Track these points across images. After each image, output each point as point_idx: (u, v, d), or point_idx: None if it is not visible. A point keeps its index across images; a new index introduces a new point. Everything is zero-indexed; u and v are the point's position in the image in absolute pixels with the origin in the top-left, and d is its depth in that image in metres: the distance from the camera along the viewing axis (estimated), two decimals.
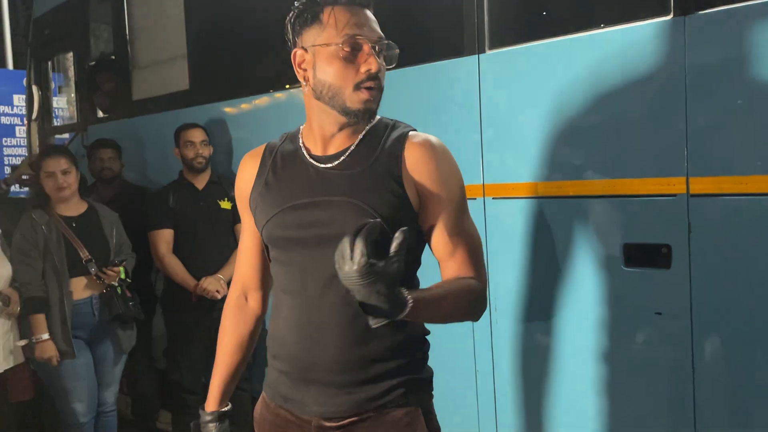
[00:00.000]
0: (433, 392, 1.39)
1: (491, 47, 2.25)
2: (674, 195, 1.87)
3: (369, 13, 1.28)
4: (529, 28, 2.21)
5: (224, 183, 3.24)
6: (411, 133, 1.33)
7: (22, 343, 2.68)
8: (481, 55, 2.27)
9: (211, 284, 3.05)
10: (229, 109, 3.35)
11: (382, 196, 1.25)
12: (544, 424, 2.23)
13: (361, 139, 1.31)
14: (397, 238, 1.06)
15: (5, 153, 8.09)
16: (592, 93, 2.02)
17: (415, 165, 1.28)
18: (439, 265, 1.34)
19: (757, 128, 1.74)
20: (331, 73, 1.24)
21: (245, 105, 3.27)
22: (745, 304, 1.79)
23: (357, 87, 1.24)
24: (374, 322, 1.09)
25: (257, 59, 3.14)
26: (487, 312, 2.31)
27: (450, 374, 2.39)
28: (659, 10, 1.87)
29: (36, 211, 2.81)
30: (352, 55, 1.23)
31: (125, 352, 2.96)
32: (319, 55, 1.25)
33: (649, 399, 1.99)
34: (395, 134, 1.31)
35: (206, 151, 3.21)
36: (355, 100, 1.25)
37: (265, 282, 1.47)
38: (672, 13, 1.85)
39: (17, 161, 8.11)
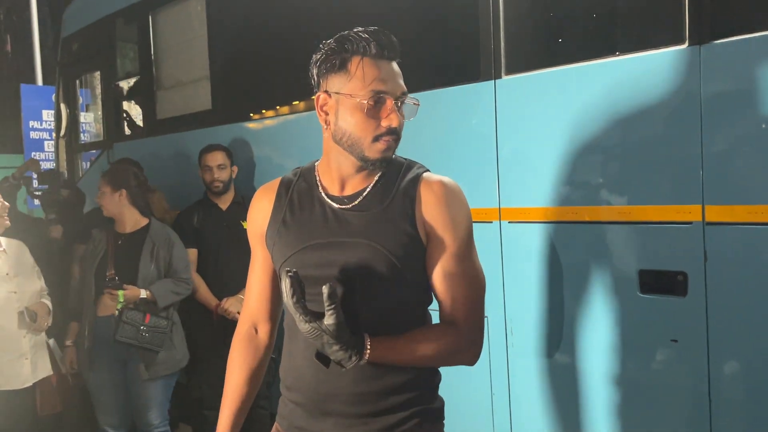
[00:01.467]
0: (445, 420, 1.42)
1: (507, 73, 2.27)
2: (690, 222, 1.88)
3: (395, 66, 1.29)
4: (545, 54, 2.24)
5: (248, 203, 3.27)
6: (425, 174, 1.35)
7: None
8: (497, 81, 2.30)
9: (232, 305, 3.09)
10: (252, 125, 3.41)
11: (396, 237, 1.28)
12: None
13: (377, 181, 1.33)
14: (323, 292, 1.16)
15: None
16: (608, 119, 2.03)
17: (427, 206, 1.30)
18: (438, 303, 1.37)
19: None
20: (352, 123, 1.26)
21: (266, 124, 3.33)
22: (761, 333, 1.78)
23: (376, 138, 1.27)
24: (339, 366, 1.22)
25: (278, 80, 3.20)
26: (503, 335, 2.32)
27: (466, 398, 2.41)
28: (675, 38, 1.89)
29: (96, 230, 3.01)
30: (375, 109, 1.25)
31: (150, 378, 2.84)
32: (343, 104, 1.27)
33: (665, 426, 1.98)
34: (410, 176, 1.34)
35: (224, 175, 3.24)
36: (373, 150, 1.28)
37: (275, 314, 1.49)
38: (687, 42, 1.86)
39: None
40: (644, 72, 1.95)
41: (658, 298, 1.96)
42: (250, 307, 1.49)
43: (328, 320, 1.16)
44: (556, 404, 2.22)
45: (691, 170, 1.86)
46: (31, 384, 2.69)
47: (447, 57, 2.51)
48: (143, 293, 2.81)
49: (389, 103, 1.26)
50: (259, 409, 3.21)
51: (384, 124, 1.26)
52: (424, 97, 2.50)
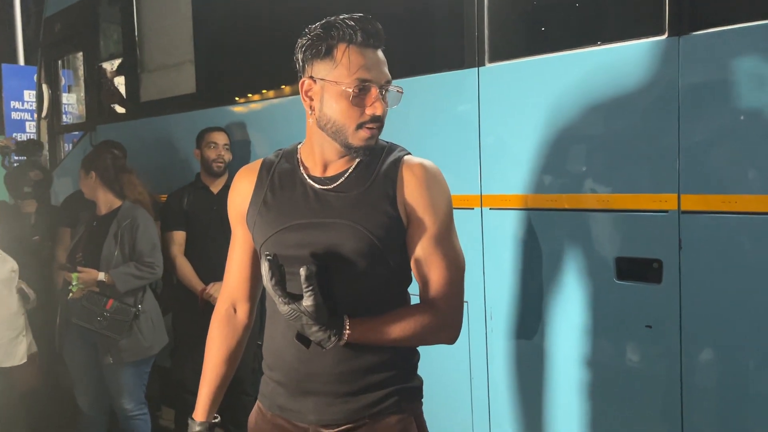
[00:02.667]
0: (423, 399, 1.45)
1: (491, 60, 2.29)
2: (666, 211, 1.91)
3: (380, 54, 1.30)
4: (528, 43, 2.25)
5: None
6: (406, 157, 1.37)
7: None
8: (480, 68, 2.31)
9: (217, 291, 3.07)
10: (236, 109, 3.41)
11: (377, 217, 1.30)
12: (537, 429, 2.27)
13: (358, 162, 1.35)
14: (301, 274, 1.18)
15: None
16: (588, 109, 2.06)
17: (407, 188, 1.32)
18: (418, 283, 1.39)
19: (747, 148, 1.78)
20: (337, 110, 1.27)
21: (251, 108, 3.32)
22: (734, 320, 1.83)
23: (360, 126, 1.28)
24: (319, 347, 1.24)
25: (263, 65, 3.19)
26: (482, 320, 2.36)
27: (446, 380, 2.44)
28: (655, 29, 1.91)
29: (84, 212, 3.02)
30: (359, 97, 1.27)
31: (116, 364, 2.80)
32: (328, 90, 1.28)
33: (637, 409, 2.03)
34: (391, 158, 1.35)
35: (227, 155, 3.23)
36: (357, 137, 1.29)
37: (254, 294, 1.51)
38: (667, 33, 1.89)
39: None
40: (624, 62, 1.97)
41: (634, 284, 2.00)
42: (230, 287, 1.51)
43: (307, 302, 1.18)
44: (533, 387, 2.27)
45: (668, 160, 1.89)
46: (26, 360, 2.70)
47: (431, 44, 2.52)
48: (101, 276, 2.75)
49: (374, 91, 1.28)
50: (245, 396, 3.24)
51: (368, 112, 1.28)
52: (409, 83, 2.52)
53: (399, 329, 1.29)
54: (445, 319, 1.33)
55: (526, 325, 2.28)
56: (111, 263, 2.80)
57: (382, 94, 1.28)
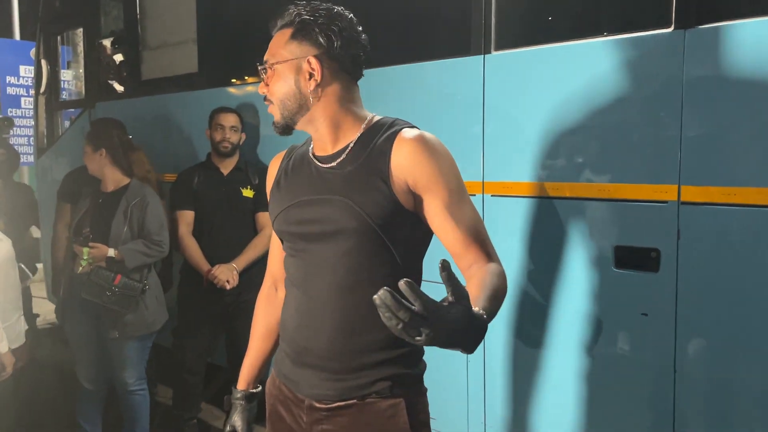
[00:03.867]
0: (425, 386, 1.43)
1: (497, 48, 2.31)
2: (665, 202, 1.95)
3: (276, 36, 1.42)
4: (535, 32, 2.27)
5: (250, 171, 3.23)
6: (404, 129, 1.34)
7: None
8: (486, 56, 2.33)
9: (222, 273, 3.07)
10: (237, 90, 3.41)
11: (369, 194, 1.29)
12: (531, 414, 2.32)
13: (357, 139, 1.36)
14: (448, 286, 1.00)
15: None
16: (592, 99, 2.08)
17: (404, 161, 1.29)
18: (452, 256, 1.34)
19: (747, 142, 1.81)
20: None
21: (251, 89, 3.33)
22: (728, 310, 1.87)
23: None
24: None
25: (265, 46, 3.19)
26: None
27: (442, 366, 2.48)
28: (661, 22, 1.93)
29: (87, 188, 3.01)
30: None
31: (121, 338, 2.84)
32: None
33: (631, 395, 2.07)
34: (388, 132, 1.34)
35: (234, 137, 3.19)
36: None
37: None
38: (673, 26, 1.91)
39: (23, 132, 8.16)
40: (630, 53, 2.00)
41: (632, 273, 2.04)
42: (271, 269, 1.58)
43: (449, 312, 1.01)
44: (529, 373, 2.31)
45: (670, 151, 1.92)
46: (25, 341, 2.70)
47: (438, 30, 2.53)
48: (111, 252, 2.79)
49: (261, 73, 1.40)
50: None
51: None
52: (414, 69, 2.54)
53: (500, 294, 1.23)
54: (501, 268, 1.30)
55: (523, 311, 2.32)
56: (120, 240, 2.83)
57: (262, 76, 1.40)
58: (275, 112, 1.39)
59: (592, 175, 2.12)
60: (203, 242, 3.18)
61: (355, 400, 1.32)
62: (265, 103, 1.41)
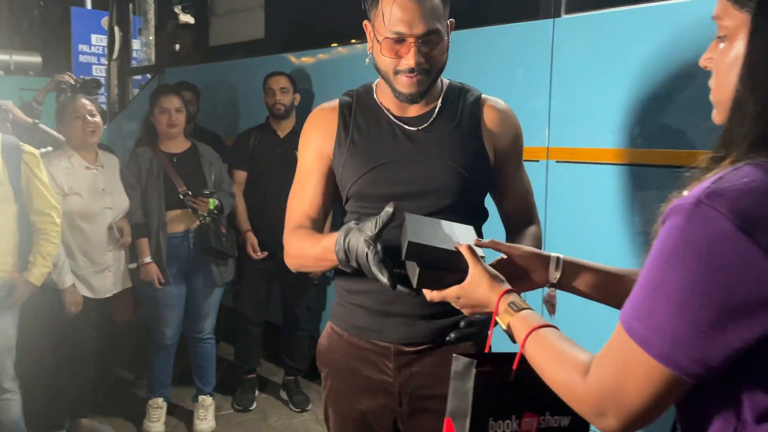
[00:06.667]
0: None
1: (567, 12, 2.27)
2: None
3: (425, 6, 1.29)
4: None
5: None
6: (483, 96, 1.47)
7: (132, 266, 2.94)
8: (556, 19, 2.30)
9: (254, 242, 3.23)
10: (304, 57, 3.46)
11: (466, 154, 1.39)
12: None
13: (443, 103, 1.42)
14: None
15: None
16: (664, 63, 2.03)
17: (493, 126, 1.43)
18: (504, 214, 1.50)
19: None
20: (377, 57, 1.36)
21: (319, 57, 3.37)
22: None
23: (397, 73, 1.33)
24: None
25: (331, 12, 3.22)
26: None
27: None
28: None
29: (142, 148, 3.03)
30: (394, 48, 1.31)
31: (218, 286, 3.07)
32: (373, 37, 1.35)
33: None
34: (471, 98, 1.45)
35: (285, 99, 3.25)
36: (399, 83, 1.34)
37: (327, 214, 1.49)
38: None
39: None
40: (708, 14, 1.93)
41: None
42: (302, 212, 1.46)
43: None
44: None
45: None
46: (111, 295, 2.88)
47: None
48: (216, 202, 2.99)
49: (409, 42, 1.29)
50: (299, 331, 3.38)
51: (403, 62, 1.31)
52: (482, 33, 2.52)
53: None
54: (539, 230, 1.46)
55: None
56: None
57: (417, 46, 1.29)
58: (424, 81, 1.34)
59: (658, 141, 2.08)
60: (253, 202, 3.28)
61: (443, 341, 1.32)
62: (413, 77, 1.32)
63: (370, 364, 1.42)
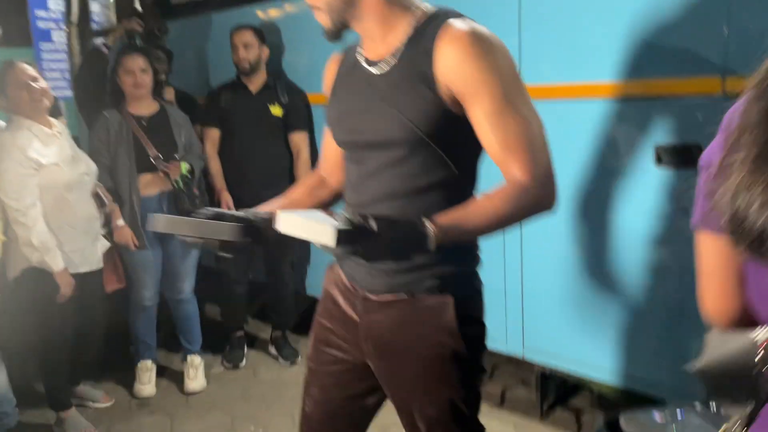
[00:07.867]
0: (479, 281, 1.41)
1: None
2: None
3: None
4: None
5: (279, 87, 3.20)
6: (450, 24, 1.20)
7: (103, 231, 2.87)
8: None
9: (230, 200, 3.16)
10: (271, 12, 3.37)
11: (414, 101, 1.22)
12: (566, 324, 2.37)
13: (408, 39, 1.26)
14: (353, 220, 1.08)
15: (43, 57, 8.11)
16: None
17: (448, 62, 1.19)
18: None
19: None
20: None
21: (287, 8, 3.28)
22: None
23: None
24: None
25: None
26: None
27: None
28: None
29: (109, 110, 2.95)
30: None
31: (192, 245, 3.04)
32: None
33: (673, 290, 2.09)
34: (431, 28, 1.22)
35: (250, 54, 3.13)
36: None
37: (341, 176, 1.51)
38: None
39: (56, 66, 8.21)
40: None
41: (675, 171, 2.03)
42: (322, 164, 1.57)
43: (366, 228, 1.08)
44: (564, 278, 2.34)
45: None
46: (102, 265, 2.82)
47: None
48: (188, 166, 2.98)
49: None
50: (284, 286, 3.39)
51: None
52: None
53: (482, 218, 1.19)
54: (528, 192, 1.18)
55: (561, 216, 2.32)
56: (182, 156, 3.01)
57: None
58: (323, 19, 1.29)
59: (637, 72, 2.07)
60: (228, 160, 3.23)
61: (405, 295, 1.35)
62: (313, 10, 1.30)
63: (348, 301, 1.45)
